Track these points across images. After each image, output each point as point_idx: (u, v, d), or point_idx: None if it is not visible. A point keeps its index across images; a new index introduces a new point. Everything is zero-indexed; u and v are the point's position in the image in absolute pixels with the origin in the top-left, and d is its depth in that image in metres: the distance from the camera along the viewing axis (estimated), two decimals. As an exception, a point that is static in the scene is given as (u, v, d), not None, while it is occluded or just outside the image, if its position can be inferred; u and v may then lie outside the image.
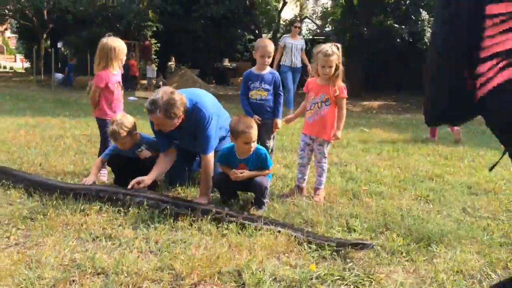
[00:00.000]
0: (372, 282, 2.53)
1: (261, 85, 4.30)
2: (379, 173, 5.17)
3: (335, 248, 2.85)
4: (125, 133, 3.76)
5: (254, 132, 3.45)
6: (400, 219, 3.52)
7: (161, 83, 18.63)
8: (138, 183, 3.63)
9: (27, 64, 34.75)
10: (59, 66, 23.70)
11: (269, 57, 4.24)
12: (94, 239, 2.88)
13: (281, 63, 10.12)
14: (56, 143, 6.09)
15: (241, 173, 3.55)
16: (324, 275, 2.56)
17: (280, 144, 6.71)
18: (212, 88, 21.41)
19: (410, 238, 3.15)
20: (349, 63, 8.72)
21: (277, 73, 4.46)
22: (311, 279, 2.50)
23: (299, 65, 10.19)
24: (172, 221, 3.21)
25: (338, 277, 2.55)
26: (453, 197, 4.26)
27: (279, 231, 3.05)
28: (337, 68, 3.67)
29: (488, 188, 4.66)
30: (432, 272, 2.67)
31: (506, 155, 1.65)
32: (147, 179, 3.70)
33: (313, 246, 2.94)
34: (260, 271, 2.51)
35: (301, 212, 3.56)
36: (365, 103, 17.08)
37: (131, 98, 13.90)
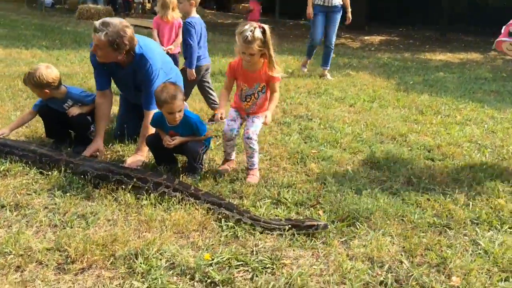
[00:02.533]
0: (274, 269, 2.45)
1: None
2: (341, 131, 4.98)
3: (287, 230, 2.77)
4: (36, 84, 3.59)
5: (177, 103, 3.24)
6: (336, 191, 3.40)
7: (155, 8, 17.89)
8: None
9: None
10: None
11: None
12: (0, 209, 2.80)
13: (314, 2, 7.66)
14: (14, 82, 5.90)
15: (173, 139, 3.39)
16: (226, 259, 2.48)
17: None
18: (210, 15, 20.62)
19: (336, 216, 3.05)
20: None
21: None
22: (211, 265, 2.42)
23: (337, 2, 7.66)
24: (91, 188, 3.10)
25: (241, 262, 2.48)
26: (403, 164, 4.09)
27: (197, 205, 2.95)
28: (263, 54, 3.25)
29: (447, 152, 4.48)
30: (341, 259, 2.58)
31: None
32: (101, 146, 3.73)
33: (231, 223, 2.85)
34: (157, 256, 2.43)
35: (233, 181, 3.44)
36: (366, 37, 16.44)
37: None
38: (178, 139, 3.40)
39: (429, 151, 4.55)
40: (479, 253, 2.75)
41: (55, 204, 2.89)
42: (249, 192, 3.28)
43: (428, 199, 3.42)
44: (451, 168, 4.06)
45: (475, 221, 3.14)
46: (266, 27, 3.20)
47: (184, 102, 3.85)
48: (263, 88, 3.45)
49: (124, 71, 3.72)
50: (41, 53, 8.17)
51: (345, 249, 2.71)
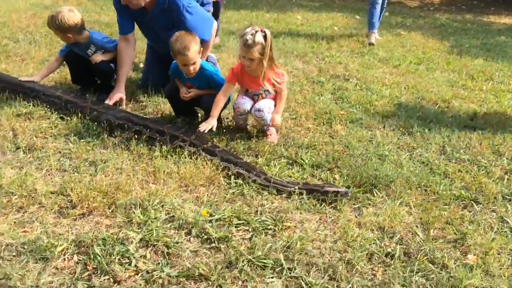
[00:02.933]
0: (275, 231, 2.35)
1: None
2: (378, 93, 4.70)
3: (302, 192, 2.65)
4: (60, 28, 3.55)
5: (191, 55, 3.09)
6: (358, 155, 3.21)
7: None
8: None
9: None
10: None
11: None
12: (15, 150, 2.85)
13: None
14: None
15: (189, 91, 3.29)
16: (228, 217, 2.41)
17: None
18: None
19: (353, 181, 2.88)
20: None
21: None
22: (210, 221, 2.36)
23: None
24: (106, 136, 3.10)
25: (243, 221, 2.40)
26: (440, 131, 3.80)
27: (210, 162, 2.88)
28: (263, 58, 3.04)
29: (492, 121, 4.12)
30: (349, 226, 2.44)
31: None
32: (123, 94, 3.68)
33: (239, 181, 2.76)
34: (158, 208, 2.40)
35: (250, 138, 3.32)
36: (426, -4, 15.38)
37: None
38: (194, 92, 3.30)
39: (471, 119, 4.20)
40: (505, 231, 2.52)
41: (69, 149, 2.91)
42: (265, 150, 3.16)
43: (459, 170, 3.17)
44: (492, 139, 3.73)
45: (507, 196, 2.88)
46: (267, 32, 3.01)
47: (208, 51, 3.72)
48: (268, 91, 3.27)
49: (150, 15, 3.64)
50: (86, 1, 8.22)
51: (356, 216, 2.57)
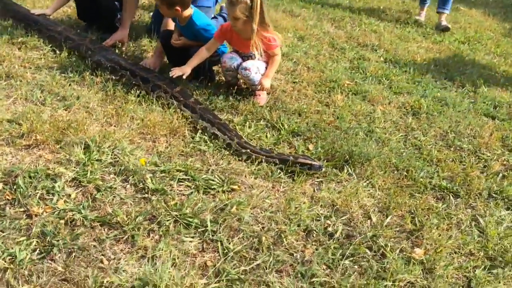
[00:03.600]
0: (218, 192, 2.25)
1: None
2: (401, 68, 4.38)
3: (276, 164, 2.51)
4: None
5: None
6: (345, 129, 2.99)
7: None
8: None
9: None
10: None
11: None
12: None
13: None
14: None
15: (179, 39, 3.18)
16: (176, 170, 2.33)
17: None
18: None
19: (325, 154, 2.70)
20: None
21: None
22: (154, 172, 2.29)
23: None
24: (89, 74, 3.06)
25: (189, 177, 2.31)
26: (450, 115, 3.47)
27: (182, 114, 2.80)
28: (250, 20, 2.89)
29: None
30: (300, 198, 2.29)
31: None
32: (125, 37, 3.63)
33: (204, 137, 2.66)
34: (106, 151, 2.35)
35: (236, 96, 3.18)
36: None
37: None
38: (183, 40, 3.18)
39: (495, 108, 3.82)
40: (471, 231, 2.27)
41: (46, 81, 2.90)
42: (244, 109, 3.02)
43: (453, 159, 2.89)
44: (507, 132, 3.36)
45: (494, 195, 2.59)
46: None
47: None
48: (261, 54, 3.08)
49: None
50: None
51: (313, 191, 2.40)
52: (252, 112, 3.02)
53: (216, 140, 2.63)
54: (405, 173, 2.65)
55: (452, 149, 3.03)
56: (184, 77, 2.99)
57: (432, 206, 2.40)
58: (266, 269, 1.84)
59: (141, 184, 2.19)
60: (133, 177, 2.21)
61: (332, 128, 2.99)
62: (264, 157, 2.53)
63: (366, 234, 2.12)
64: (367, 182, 2.51)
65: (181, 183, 2.27)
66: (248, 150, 2.56)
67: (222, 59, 3.15)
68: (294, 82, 3.65)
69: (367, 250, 2.02)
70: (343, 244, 2.05)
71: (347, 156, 2.66)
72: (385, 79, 4.04)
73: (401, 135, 3.09)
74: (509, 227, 2.32)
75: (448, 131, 3.23)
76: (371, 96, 3.59)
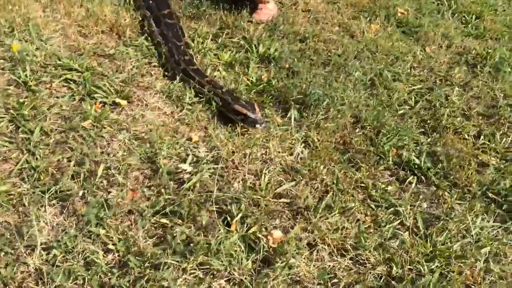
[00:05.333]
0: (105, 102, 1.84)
1: None
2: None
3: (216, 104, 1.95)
4: None
5: None
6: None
7: None
8: None
9: None
10: None
11: None
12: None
13: None
14: None
15: None
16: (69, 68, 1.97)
17: None
18: None
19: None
20: None
21: None
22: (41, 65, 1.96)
23: None
24: None
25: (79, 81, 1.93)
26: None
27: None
28: None
29: None
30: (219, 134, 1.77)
31: None
32: None
33: (142, 42, 2.22)
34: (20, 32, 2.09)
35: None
36: None
37: None
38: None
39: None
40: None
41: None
42: (229, 22, 2.45)
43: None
44: None
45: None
46: None
47: None
48: None
49: None
50: None
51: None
52: (234, 26, 2.44)
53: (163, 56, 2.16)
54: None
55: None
56: None
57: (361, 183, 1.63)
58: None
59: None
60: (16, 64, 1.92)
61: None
62: (210, 92, 1.96)
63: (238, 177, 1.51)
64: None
65: (66, 84, 1.91)
66: (195, 80, 2.02)
67: None
68: (329, 3, 2.87)
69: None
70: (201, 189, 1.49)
71: (303, 98, 1.97)
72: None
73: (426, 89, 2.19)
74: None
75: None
76: (421, 35, 2.63)
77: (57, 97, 1.85)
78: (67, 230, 1.36)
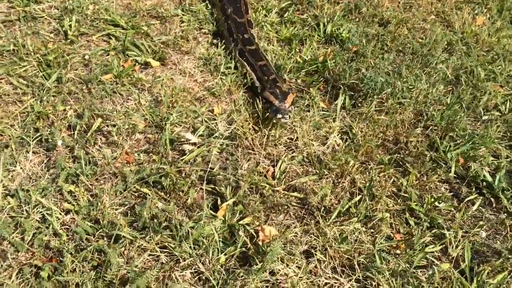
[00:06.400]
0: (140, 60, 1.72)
1: None
2: None
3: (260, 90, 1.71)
4: None
5: None
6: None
7: None
8: None
9: None
10: None
11: None
12: None
13: None
14: None
15: None
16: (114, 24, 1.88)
17: None
18: None
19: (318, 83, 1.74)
20: None
21: None
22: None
23: None
24: None
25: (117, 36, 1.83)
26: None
27: None
28: None
29: None
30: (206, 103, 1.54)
31: None
32: None
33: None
34: None
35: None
36: None
37: None
38: None
39: None
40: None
41: None
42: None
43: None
44: None
45: None
46: None
47: None
48: None
49: None
50: None
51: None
52: (308, 2, 2.18)
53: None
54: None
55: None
56: None
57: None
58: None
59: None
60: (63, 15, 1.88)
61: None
62: (258, 77, 1.72)
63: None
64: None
65: (107, 39, 1.82)
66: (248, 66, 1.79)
67: None
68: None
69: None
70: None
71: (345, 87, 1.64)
72: None
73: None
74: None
75: None
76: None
77: (90, 49, 1.77)
78: (39, 181, 1.23)
